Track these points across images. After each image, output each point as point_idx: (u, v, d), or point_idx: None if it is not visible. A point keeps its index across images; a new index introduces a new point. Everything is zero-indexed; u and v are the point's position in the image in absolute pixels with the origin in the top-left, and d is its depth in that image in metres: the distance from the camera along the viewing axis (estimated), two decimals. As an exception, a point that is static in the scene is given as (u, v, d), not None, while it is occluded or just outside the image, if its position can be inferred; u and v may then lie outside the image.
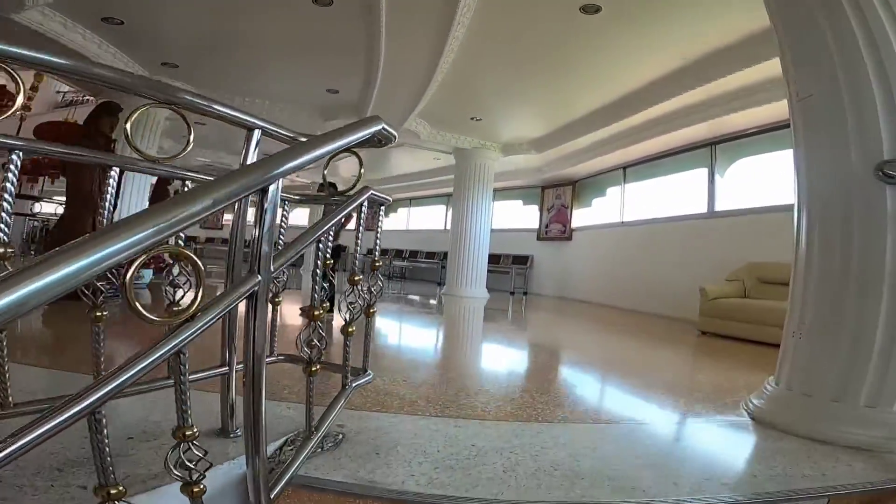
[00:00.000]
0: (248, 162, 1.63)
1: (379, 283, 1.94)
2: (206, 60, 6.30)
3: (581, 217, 11.26)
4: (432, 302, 8.65)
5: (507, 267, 12.24)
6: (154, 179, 8.03)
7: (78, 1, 4.47)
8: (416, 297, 9.44)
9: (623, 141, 7.95)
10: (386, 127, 1.66)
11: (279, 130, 1.76)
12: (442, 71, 5.56)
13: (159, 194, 9.81)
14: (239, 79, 6.91)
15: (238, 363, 1.67)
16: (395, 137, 1.77)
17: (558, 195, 11.82)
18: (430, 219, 16.38)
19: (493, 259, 11.73)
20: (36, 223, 12.82)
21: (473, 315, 7.30)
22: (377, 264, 1.95)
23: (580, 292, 10.39)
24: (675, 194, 8.29)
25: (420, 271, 14.89)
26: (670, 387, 3.01)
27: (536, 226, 12.49)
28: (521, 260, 12.30)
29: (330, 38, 5.27)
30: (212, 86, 7.16)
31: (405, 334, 5.17)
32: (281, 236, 1.95)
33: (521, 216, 13.39)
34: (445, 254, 11.14)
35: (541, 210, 12.35)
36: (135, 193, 7.26)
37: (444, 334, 5.37)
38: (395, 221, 17.13)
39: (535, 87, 6.45)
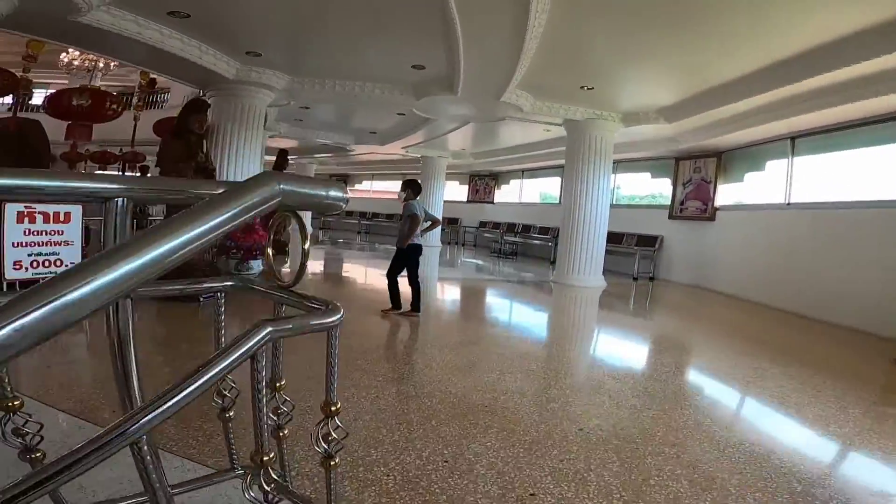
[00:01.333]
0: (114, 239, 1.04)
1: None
2: (288, 47, 6.00)
3: (728, 194, 9.24)
4: (537, 298, 7.74)
5: (631, 248, 10.69)
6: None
7: None
8: (520, 287, 8.58)
9: (793, 108, 6.04)
10: (299, 188, 0.91)
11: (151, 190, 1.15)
12: (535, 36, 4.50)
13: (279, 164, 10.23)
14: (325, 62, 6.54)
15: None
16: (339, 203, 1.03)
17: (697, 168, 9.82)
18: (543, 191, 15.14)
19: (614, 238, 10.34)
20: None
21: (581, 321, 6.28)
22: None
23: (723, 283, 8.63)
24: (871, 173, 6.17)
25: (533, 248, 13.86)
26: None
27: (668, 202, 10.66)
28: (649, 241, 10.64)
29: (399, 10, 4.54)
30: (300, 72, 6.93)
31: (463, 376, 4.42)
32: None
33: (649, 191, 11.57)
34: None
35: (674, 185, 10.45)
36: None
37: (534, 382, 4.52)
38: (508, 193, 16.19)
39: (662, 49, 5.05)
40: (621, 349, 4.95)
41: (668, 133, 8.67)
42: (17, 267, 4.25)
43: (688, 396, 3.46)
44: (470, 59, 5.22)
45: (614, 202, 11.50)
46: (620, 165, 11.70)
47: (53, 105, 6.06)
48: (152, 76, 8.79)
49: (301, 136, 12.18)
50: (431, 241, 14.65)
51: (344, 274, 9.00)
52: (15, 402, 1.09)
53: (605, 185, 8.55)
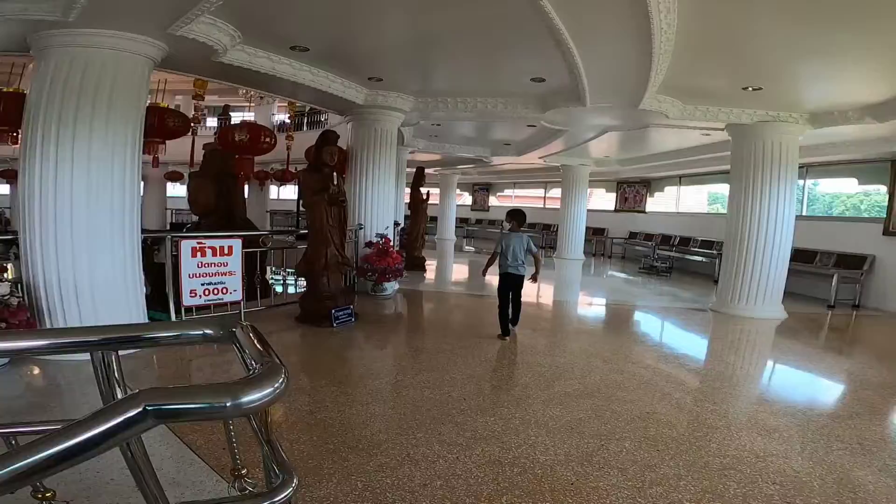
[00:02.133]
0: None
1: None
2: (406, 70, 6.00)
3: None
4: (685, 333, 6.54)
5: (827, 269, 8.55)
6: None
7: (265, 35, 4.59)
8: (668, 314, 7.24)
9: None
10: (178, 405, 0.87)
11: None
12: (666, 38, 3.69)
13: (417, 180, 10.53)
14: (443, 82, 6.44)
15: None
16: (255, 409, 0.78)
17: (930, 171, 7.40)
18: (708, 197, 13.10)
19: (803, 256, 8.44)
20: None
21: (738, 376, 4.86)
22: None
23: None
24: None
25: (692, 264, 12.04)
26: None
27: (883, 214, 8.26)
28: (853, 261, 8.39)
29: (504, 24, 4.15)
30: (422, 92, 6.94)
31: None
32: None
33: (855, 200, 9.13)
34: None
35: (891, 193, 8.04)
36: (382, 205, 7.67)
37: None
38: (662, 202, 14.41)
39: (858, 42, 3.78)
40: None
41: (880, 133, 6.65)
42: (193, 295, 4.92)
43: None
44: (591, 68, 4.58)
45: (803, 213, 9.37)
46: (813, 170, 9.48)
47: (222, 140, 6.98)
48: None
49: (440, 150, 12.43)
50: (573, 254, 13.80)
51: (468, 291, 8.86)
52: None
53: (788, 196, 6.89)
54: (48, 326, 3.99)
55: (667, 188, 14.11)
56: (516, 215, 5.33)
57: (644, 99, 5.47)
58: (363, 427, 3.10)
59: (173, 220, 17.05)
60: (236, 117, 14.99)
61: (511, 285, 5.19)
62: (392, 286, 7.35)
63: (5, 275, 3.93)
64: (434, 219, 19.41)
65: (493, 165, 15.69)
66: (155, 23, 3.74)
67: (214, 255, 5.05)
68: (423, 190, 10.52)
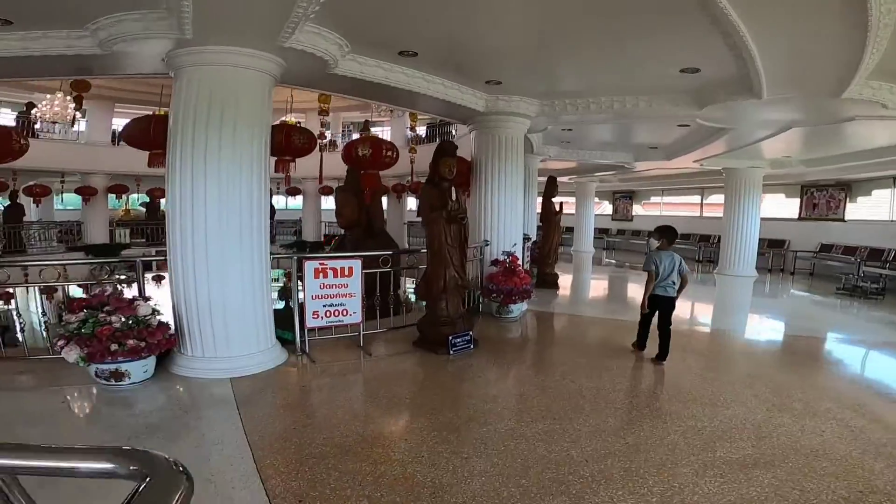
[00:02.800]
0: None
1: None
2: (527, 71, 5.42)
3: None
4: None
5: None
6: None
7: (371, 41, 4.41)
8: (873, 356, 5.35)
9: None
10: None
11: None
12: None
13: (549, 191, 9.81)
14: (573, 82, 5.71)
15: None
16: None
17: None
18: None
19: None
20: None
21: None
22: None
23: None
24: None
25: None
26: None
27: None
28: None
29: (641, 4, 3.35)
30: (549, 94, 6.30)
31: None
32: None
33: None
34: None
35: None
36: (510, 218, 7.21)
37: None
38: (867, 208, 11.43)
39: None
40: None
41: None
42: (316, 316, 4.99)
43: None
44: (769, 51, 3.51)
45: None
46: None
47: (346, 155, 7.15)
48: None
49: (575, 157, 11.50)
50: (741, 270, 11.65)
51: (605, 314, 7.83)
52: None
53: None
54: (188, 348, 4.30)
55: (875, 192, 11.16)
56: (666, 232, 4.93)
57: (851, 86, 4.13)
58: (455, 489, 2.61)
59: (326, 232, 18.67)
60: (377, 132, 15.95)
61: (660, 308, 4.86)
62: (519, 308, 6.79)
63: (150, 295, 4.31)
64: (570, 230, 18.36)
65: (637, 171, 14.16)
66: (261, 34, 3.76)
67: (336, 276, 5.06)
68: (556, 200, 9.77)
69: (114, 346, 3.67)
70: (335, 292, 5.07)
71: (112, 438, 3.12)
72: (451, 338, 5.06)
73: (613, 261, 15.53)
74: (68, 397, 3.75)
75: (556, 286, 9.35)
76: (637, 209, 19.66)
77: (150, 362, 4.03)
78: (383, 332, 5.60)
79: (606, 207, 20.84)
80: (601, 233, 19.72)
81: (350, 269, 5.13)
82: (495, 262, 6.75)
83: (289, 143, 5.85)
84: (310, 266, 4.94)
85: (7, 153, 4.89)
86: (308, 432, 3.27)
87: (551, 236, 9.52)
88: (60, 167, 14.79)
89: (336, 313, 5.10)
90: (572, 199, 18.34)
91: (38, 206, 16.30)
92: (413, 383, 4.40)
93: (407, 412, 3.74)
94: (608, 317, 7.19)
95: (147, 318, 3.93)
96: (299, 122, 9.05)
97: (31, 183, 15.38)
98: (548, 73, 5.49)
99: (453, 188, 5.32)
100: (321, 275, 5.00)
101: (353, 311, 5.18)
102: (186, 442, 3.10)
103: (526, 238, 9.17)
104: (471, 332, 5.29)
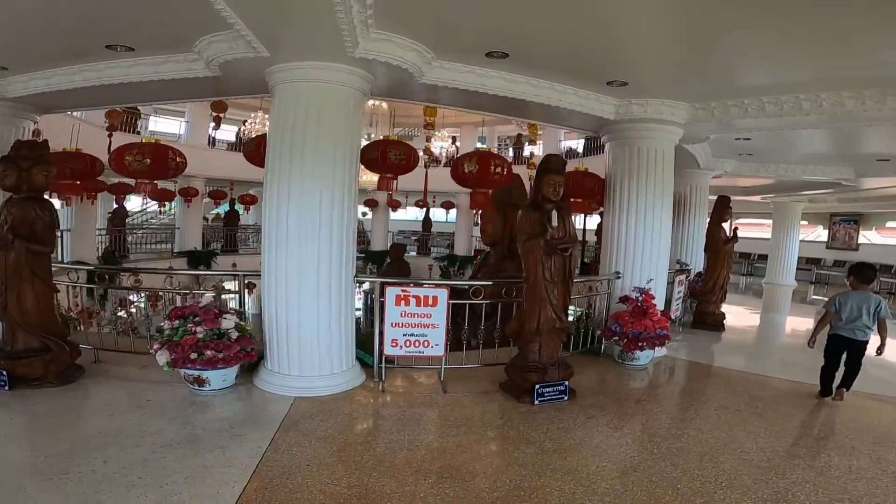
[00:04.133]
0: None
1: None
2: (664, 66, 4.33)
3: None
4: None
5: None
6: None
7: (450, 44, 3.92)
8: None
9: None
10: None
11: None
12: None
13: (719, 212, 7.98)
14: (745, 74, 4.37)
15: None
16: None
17: None
18: None
19: None
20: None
21: None
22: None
23: None
24: None
25: None
26: None
27: None
28: None
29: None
30: (702, 95, 5.01)
31: None
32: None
33: None
34: None
35: None
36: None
37: None
38: None
39: None
40: None
41: None
42: (394, 345, 4.74)
43: None
44: None
45: None
46: None
47: (454, 172, 6.75)
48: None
49: (762, 173, 9.23)
50: None
51: (774, 371, 5.88)
52: None
53: None
54: (269, 362, 4.40)
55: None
56: (859, 271, 4.57)
57: None
58: None
59: (477, 247, 18.67)
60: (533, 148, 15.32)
61: (844, 349, 4.53)
62: (647, 355, 5.53)
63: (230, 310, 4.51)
64: (762, 258, 15.22)
65: (863, 190, 10.87)
66: (328, 46, 3.59)
67: (418, 304, 4.70)
68: (726, 225, 7.92)
69: (193, 355, 3.89)
70: (417, 321, 4.71)
71: (152, 442, 3.24)
72: (537, 386, 4.26)
73: (823, 297, 12.17)
74: (155, 394, 4.08)
75: (719, 328, 7.54)
76: (866, 236, 15.22)
77: (230, 372, 4.19)
78: (471, 368, 5.01)
79: (821, 233, 16.62)
80: (810, 263, 15.82)
81: (435, 298, 4.72)
82: (624, 299, 5.62)
83: (384, 160, 5.71)
84: (391, 293, 4.67)
85: (166, 170, 5.72)
86: (317, 473, 3.00)
87: (717, 269, 7.72)
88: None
89: (417, 343, 4.74)
90: (768, 222, 15.08)
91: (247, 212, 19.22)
92: (474, 433, 3.74)
93: (437, 472, 3.10)
94: (775, 374, 5.38)
95: (228, 331, 4.09)
96: (399, 137, 9.04)
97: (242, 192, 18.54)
98: (692, 69, 4.31)
99: (560, 211, 4.48)
100: (402, 302, 4.68)
101: (436, 343, 4.75)
102: (204, 458, 3.08)
103: (682, 268, 7.62)
104: (567, 382, 4.40)
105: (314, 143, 4.09)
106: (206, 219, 19.86)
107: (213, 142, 17.29)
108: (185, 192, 15.30)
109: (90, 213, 12.03)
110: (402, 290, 4.70)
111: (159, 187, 6.98)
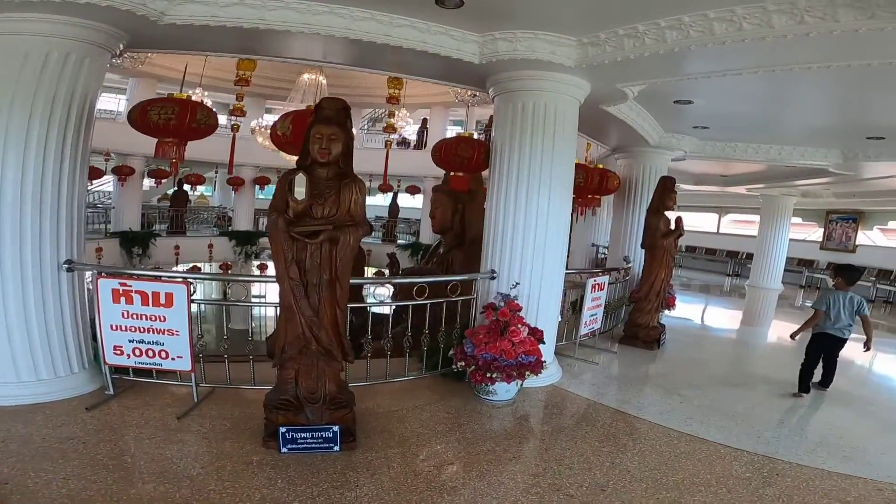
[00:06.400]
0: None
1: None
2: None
3: None
4: None
5: None
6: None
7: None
8: None
9: None
10: None
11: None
12: None
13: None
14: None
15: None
16: None
17: None
18: None
19: None
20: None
21: None
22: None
23: None
24: None
25: None
26: None
27: None
28: None
29: None
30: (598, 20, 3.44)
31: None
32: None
33: None
34: None
35: None
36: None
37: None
38: None
39: None
40: None
41: None
42: (118, 353, 3.42)
43: None
44: None
45: None
46: None
47: (435, 154, 5.40)
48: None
49: (731, 153, 7.52)
50: None
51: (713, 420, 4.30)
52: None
53: None
54: None
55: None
56: (848, 273, 4.78)
57: None
58: None
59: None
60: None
61: (827, 347, 4.67)
62: (506, 389, 4.03)
63: None
64: (749, 257, 13.65)
65: (862, 180, 9.19)
66: None
67: (146, 303, 3.28)
68: (672, 215, 6.34)
69: None
70: (147, 325, 3.32)
71: None
72: (282, 429, 2.86)
73: (810, 303, 10.53)
74: None
75: (652, 345, 6.00)
76: (868, 236, 13.46)
77: None
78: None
79: (816, 232, 14.85)
80: (802, 264, 14.12)
81: (169, 296, 3.30)
82: (488, 309, 4.12)
83: (143, 119, 4.06)
84: (105, 286, 3.26)
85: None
86: None
87: (654, 270, 6.16)
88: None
89: (151, 353, 3.40)
90: (752, 218, 13.42)
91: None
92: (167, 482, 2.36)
93: None
94: (703, 432, 3.74)
95: None
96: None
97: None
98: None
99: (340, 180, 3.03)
100: (124, 299, 3.28)
101: (178, 355, 3.38)
102: None
103: (606, 267, 6.10)
104: (336, 428, 2.95)
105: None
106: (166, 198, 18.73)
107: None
108: (119, 171, 14.29)
109: None
110: (121, 284, 3.29)
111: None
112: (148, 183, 17.95)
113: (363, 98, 14.20)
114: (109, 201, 20.25)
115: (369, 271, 16.28)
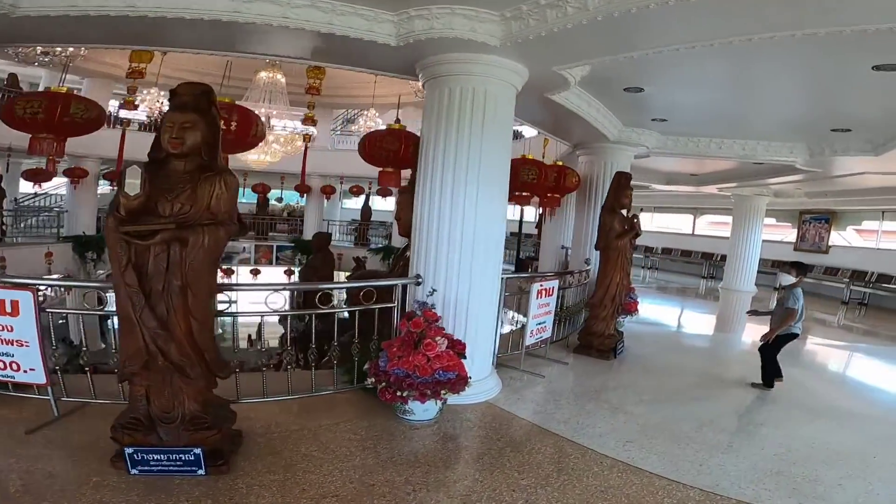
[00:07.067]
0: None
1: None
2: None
3: None
4: None
5: None
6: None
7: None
8: None
9: None
10: None
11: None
12: None
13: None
14: None
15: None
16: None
17: None
18: None
19: None
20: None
21: None
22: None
23: None
24: None
25: None
26: None
27: None
28: None
29: None
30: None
31: None
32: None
33: None
34: None
35: None
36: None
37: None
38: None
39: None
40: None
41: None
42: None
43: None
44: None
45: None
46: None
47: (360, 150, 4.97)
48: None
49: (695, 148, 7.15)
50: None
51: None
52: None
53: None
54: None
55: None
56: (802, 267, 4.87)
57: None
58: None
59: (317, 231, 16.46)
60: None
61: (783, 344, 4.77)
62: (424, 409, 3.55)
63: None
64: (723, 258, 13.43)
65: (833, 177, 8.94)
66: None
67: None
68: (627, 214, 5.94)
69: None
70: (-8, 334, 2.83)
71: None
72: (128, 450, 2.40)
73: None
74: None
75: (607, 355, 5.58)
76: (841, 236, 13.27)
77: None
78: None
79: (791, 233, 14.66)
80: (776, 266, 13.89)
81: (14, 304, 2.81)
82: (403, 319, 3.64)
83: (9, 113, 3.54)
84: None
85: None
86: None
87: (609, 273, 5.75)
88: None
89: (3, 366, 2.92)
90: (728, 219, 13.19)
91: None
92: None
93: None
94: (643, 463, 3.26)
95: None
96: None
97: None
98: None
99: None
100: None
101: (30, 367, 2.93)
102: None
103: (567, 270, 5.67)
104: (197, 450, 2.47)
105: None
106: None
107: (114, 121, 15.11)
108: (71, 173, 13.31)
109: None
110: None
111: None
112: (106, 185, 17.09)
113: (333, 99, 13.54)
114: (63, 204, 19.33)
115: (339, 275, 15.73)
